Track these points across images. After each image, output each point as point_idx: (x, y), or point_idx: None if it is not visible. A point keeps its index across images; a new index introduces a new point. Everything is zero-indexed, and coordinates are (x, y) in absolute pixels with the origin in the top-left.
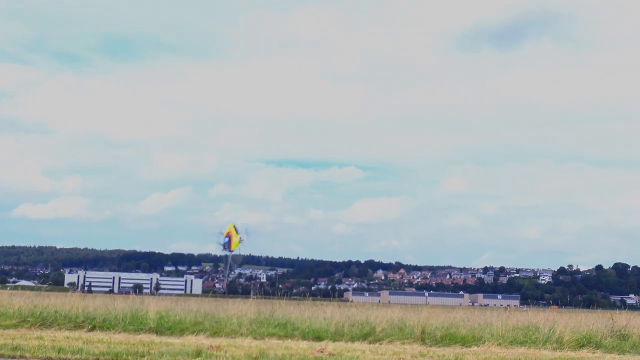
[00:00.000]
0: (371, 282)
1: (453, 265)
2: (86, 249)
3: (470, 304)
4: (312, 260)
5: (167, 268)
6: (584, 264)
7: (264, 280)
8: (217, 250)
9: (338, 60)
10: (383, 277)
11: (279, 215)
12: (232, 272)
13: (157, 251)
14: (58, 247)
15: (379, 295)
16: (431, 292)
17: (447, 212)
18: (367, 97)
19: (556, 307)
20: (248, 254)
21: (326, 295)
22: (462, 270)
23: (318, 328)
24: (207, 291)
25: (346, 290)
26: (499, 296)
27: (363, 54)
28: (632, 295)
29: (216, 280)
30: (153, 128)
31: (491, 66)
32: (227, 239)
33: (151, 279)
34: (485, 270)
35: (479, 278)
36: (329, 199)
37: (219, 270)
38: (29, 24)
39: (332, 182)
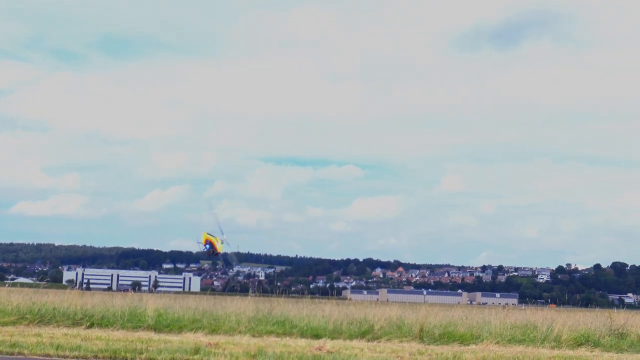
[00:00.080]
0: (369, 280)
1: (451, 264)
2: (84, 246)
3: (469, 302)
4: (311, 259)
5: (165, 266)
6: (583, 263)
7: (262, 278)
8: (208, 254)
9: (337, 60)
10: (381, 276)
11: (278, 213)
12: (231, 270)
13: (155, 249)
14: (56, 244)
15: (377, 293)
16: (429, 290)
17: (445, 210)
18: (367, 96)
19: (554, 305)
20: (246, 252)
21: (324, 293)
22: (461, 268)
23: (316, 326)
24: (206, 289)
25: (344, 288)
26: (497, 295)
27: (362, 54)
28: (630, 294)
29: (214, 278)
30: (152, 126)
31: (490, 66)
32: (208, 246)
33: (149, 276)
34: (484, 268)
35: (477, 276)
36: (327, 197)
37: (217, 268)
38: (27, 22)
39: (331, 181)
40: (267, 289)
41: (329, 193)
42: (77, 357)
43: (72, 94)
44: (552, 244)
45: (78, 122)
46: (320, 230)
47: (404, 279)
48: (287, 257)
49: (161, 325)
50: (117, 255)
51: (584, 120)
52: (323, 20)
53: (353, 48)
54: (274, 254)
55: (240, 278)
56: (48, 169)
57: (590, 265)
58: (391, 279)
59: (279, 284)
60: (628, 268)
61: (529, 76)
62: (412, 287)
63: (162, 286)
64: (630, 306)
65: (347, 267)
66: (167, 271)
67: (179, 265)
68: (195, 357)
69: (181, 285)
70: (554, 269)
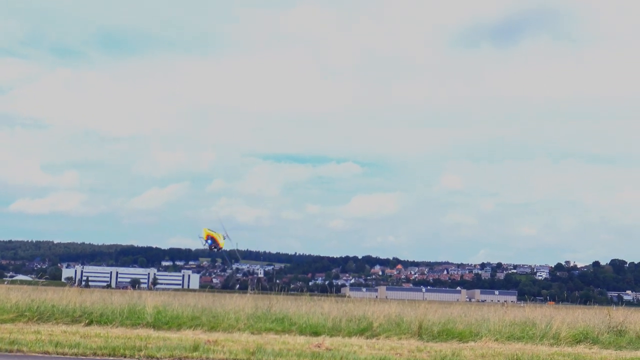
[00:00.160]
0: (368, 277)
1: (450, 261)
2: (83, 243)
3: (468, 299)
4: (310, 256)
5: (164, 263)
6: (581, 261)
7: (261, 275)
8: (210, 251)
9: (337, 57)
10: (380, 273)
11: (277, 211)
12: (231, 268)
13: (154, 246)
14: (55, 241)
15: (376, 290)
16: (428, 287)
17: (444, 208)
18: (366, 93)
19: (553, 303)
20: (245, 249)
21: (323, 290)
22: (460, 266)
23: (315, 323)
24: (205, 286)
25: (343, 285)
26: (496, 292)
27: (362, 51)
28: (629, 292)
29: (213, 275)
30: (150, 123)
31: (489, 63)
32: (210, 242)
33: (148, 273)
34: (483, 266)
35: (476, 274)
36: (326, 195)
37: (217, 265)
38: (26, 19)
39: (330, 178)
40: (266, 286)
41: (327, 190)
42: (76, 355)
43: (70, 91)
44: (551, 241)
45: (77, 119)
46: (319, 228)
47: (402, 277)
48: (286, 255)
49: (160, 322)
50: (116, 253)
51: (583, 117)
52: (322, 17)
53: (352, 45)
54: (273, 251)
55: (239, 275)
56: (47, 166)
57: (589, 262)
58: (390, 276)
59: (277, 281)
60: (627, 265)
61: (527, 74)
62: (411, 285)
63: (161, 283)
64: (629, 303)
65: (346, 264)
66: (166, 268)
67: (177, 263)
68: (194, 354)
69: (180, 282)
70: (553, 266)
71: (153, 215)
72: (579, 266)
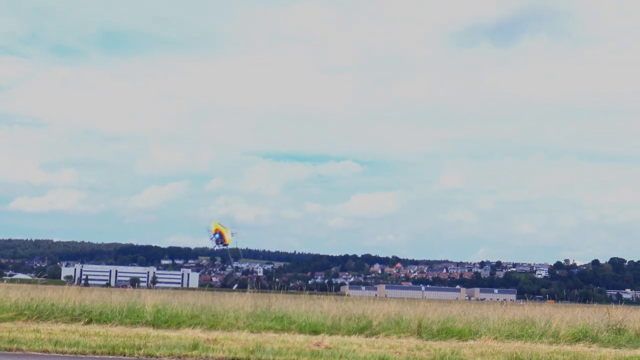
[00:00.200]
0: (368, 276)
1: (450, 260)
2: (83, 242)
3: (467, 298)
4: (309, 254)
5: (163, 262)
6: (581, 259)
7: (260, 274)
8: (213, 246)
9: (336, 55)
10: (380, 271)
11: (276, 209)
12: (230, 266)
13: (153, 245)
14: (54, 240)
15: (375, 289)
16: (428, 286)
17: (443, 206)
18: (365, 91)
19: (552, 301)
20: (245, 248)
21: (323, 289)
22: (459, 264)
23: (315, 322)
24: (204, 285)
25: (343, 284)
26: (496, 290)
27: (361, 49)
28: (628, 290)
29: (213, 274)
30: (149, 122)
31: (488, 61)
32: (218, 236)
33: (148, 272)
34: (482, 264)
35: (476, 272)
36: (326, 193)
37: (216, 264)
38: (25, 18)
39: (329, 176)
40: (266, 285)
41: (327, 189)
42: (75, 353)
43: (70, 89)
44: (550, 239)
45: (76, 118)
46: (318, 226)
47: (402, 275)
48: (286, 253)
49: (159, 321)
50: (115, 251)
51: (582, 116)
52: (321, 15)
53: (351, 43)
54: (272, 250)
55: (238, 274)
56: (46, 165)
57: (588, 261)
58: (389, 274)
59: (277, 280)
60: (626, 264)
61: (526, 71)
62: (410, 283)
63: (161, 282)
64: (628, 302)
65: (345, 263)
66: (166, 267)
67: (177, 261)
68: (193, 352)
69: (179, 281)
70: (552, 264)
71: (152, 214)
72: (578, 265)
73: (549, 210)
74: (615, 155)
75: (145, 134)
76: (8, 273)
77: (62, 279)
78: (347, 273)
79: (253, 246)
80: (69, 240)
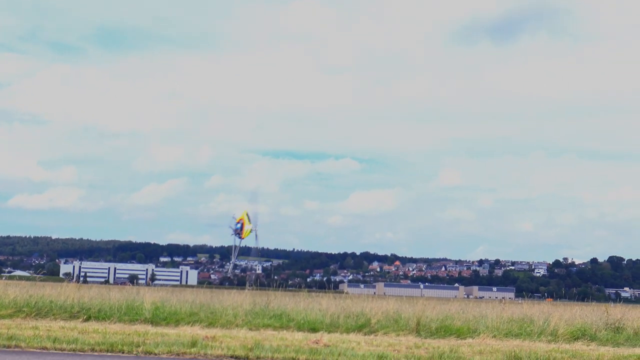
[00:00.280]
0: (366, 274)
1: (448, 258)
2: (81, 239)
3: (466, 296)
4: (308, 252)
5: (162, 259)
6: (579, 257)
7: (259, 271)
8: (231, 234)
9: (335, 53)
10: (378, 269)
11: (275, 207)
12: (229, 264)
13: (152, 242)
14: (53, 237)
15: (374, 287)
16: (426, 284)
17: (442, 204)
18: (365, 89)
19: (551, 299)
20: (244, 246)
21: (321, 286)
22: (458, 262)
23: (313, 319)
24: (203, 282)
25: (341, 281)
26: (494, 288)
27: (360, 47)
28: (626, 289)
29: (212, 272)
30: (148, 119)
31: (487, 59)
32: (239, 226)
33: (147, 269)
34: (481, 262)
35: (474, 270)
36: (324, 191)
37: (215, 261)
38: (24, 15)
39: (328, 174)
40: (264, 282)
41: (326, 186)
42: (74, 350)
43: (69, 87)
44: (549, 238)
45: (75, 115)
46: (317, 224)
47: (401, 273)
48: (284, 251)
49: (158, 318)
50: (114, 249)
51: (582, 114)
52: (320, 13)
53: (351, 41)
54: (271, 247)
55: (237, 271)
56: (45, 162)
57: (587, 259)
58: (388, 272)
59: (276, 277)
60: (625, 262)
61: (525, 70)
62: (409, 281)
63: (159, 279)
64: (627, 300)
65: (344, 260)
66: (164, 264)
67: (176, 259)
68: (192, 350)
69: (178, 278)
70: (551, 263)
71: (151, 211)
72: (576, 263)
73: (548, 209)
74: (615, 153)
75: (144, 131)
76: (7, 270)
77: (61, 275)
78: (345, 271)
79: (251, 243)
80: (67, 237)
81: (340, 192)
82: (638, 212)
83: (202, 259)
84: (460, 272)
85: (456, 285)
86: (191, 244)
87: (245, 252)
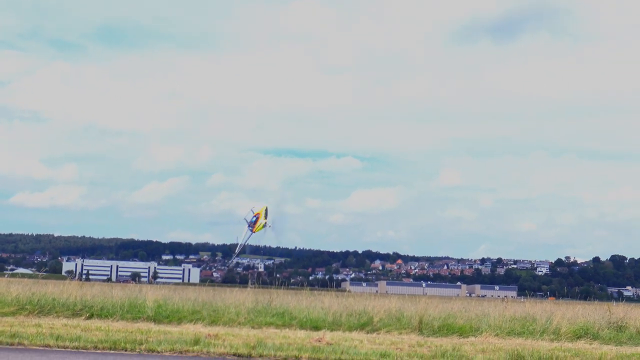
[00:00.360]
0: (369, 272)
1: (450, 256)
2: (84, 237)
3: (468, 294)
4: (310, 250)
5: (164, 257)
6: (581, 256)
7: (261, 269)
8: (245, 225)
9: (335, 54)
10: (380, 268)
11: (277, 205)
12: (231, 262)
13: (154, 240)
14: (55, 235)
15: (376, 285)
16: (429, 282)
17: (444, 203)
18: (366, 88)
19: (553, 298)
20: (246, 244)
21: (324, 285)
22: (460, 261)
23: (316, 318)
24: (205, 280)
25: (344, 280)
26: (496, 287)
27: (361, 46)
28: (629, 287)
29: (214, 270)
30: (149, 118)
31: (488, 59)
32: (254, 219)
33: (149, 267)
34: (483, 261)
35: (477, 269)
36: (326, 189)
37: (217, 259)
38: (25, 12)
39: (330, 172)
40: (267, 280)
41: (327, 185)
42: (77, 348)
43: (69, 84)
44: (551, 237)
45: (76, 113)
46: (319, 222)
47: (403, 271)
48: (286, 249)
49: (161, 316)
50: (116, 247)
51: (582, 114)
52: (321, 13)
53: (351, 41)
54: (273, 245)
55: (239, 270)
56: (46, 160)
57: (589, 258)
58: (390, 271)
59: (278, 275)
60: (627, 261)
61: (526, 69)
62: (411, 280)
63: (162, 277)
64: (629, 299)
65: (346, 259)
66: (167, 262)
67: (178, 257)
68: (195, 348)
69: (180, 276)
70: (553, 261)
71: (153, 209)
72: (579, 262)
73: (549, 208)
74: (615, 153)
75: (145, 130)
76: (9, 267)
77: (63, 273)
78: (347, 269)
79: (254, 242)
80: (70, 235)
81: (342, 191)
82: (639, 211)
83: (204, 257)
84: (462, 271)
85: (458, 283)
86: (193, 242)
87: (250, 250)
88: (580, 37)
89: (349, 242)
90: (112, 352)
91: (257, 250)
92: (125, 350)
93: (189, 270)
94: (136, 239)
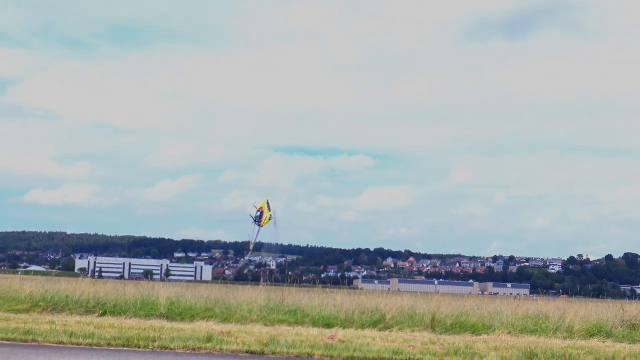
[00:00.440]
0: (381, 270)
1: (463, 254)
2: (96, 235)
3: (480, 292)
4: (322, 248)
5: (177, 254)
6: (594, 254)
7: (273, 267)
8: (252, 222)
9: (347, 50)
10: (393, 265)
11: (289, 203)
12: (243, 259)
13: (167, 238)
14: (68, 233)
15: (388, 283)
16: (441, 280)
17: (456, 201)
18: (378, 86)
19: (566, 296)
20: (259, 241)
21: (336, 282)
22: (472, 259)
23: (328, 315)
24: (217, 278)
25: (356, 278)
26: (509, 285)
27: (373, 44)
28: None
29: (226, 267)
30: (161, 115)
31: (500, 56)
32: (259, 214)
33: (161, 265)
34: (495, 259)
35: (489, 267)
36: (338, 187)
37: (229, 257)
38: (37, 11)
39: (342, 170)
40: (279, 278)
41: (339, 183)
42: (90, 345)
43: (81, 83)
44: (564, 234)
45: (88, 111)
46: (331, 220)
47: (415, 269)
48: (299, 247)
49: (173, 313)
50: (129, 244)
51: (594, 110)
52: (332, 10)
53: (363, 38)
54: (285, 243)
55: (251, 267)
56: (59, 157)
57: (602, 256)
58: (402, 268)
59: (290, 273)
60: None
61: (538, 66)
62: (423, 277)
63: (174, 275)
64: None
65: (358, 256)
66: (179, 260)
67: (190, 254)
68: (208, 345)
69: (193, 274)
70: (566, 259)
71: (165, 207)
72: (591, 260)
73: (562, 206)
74: (630, 150)
75: (157, 127)
76: (22, 265)
77: (76, 271)
78: (360, 267)
79: (266, 239)
80: (82, 232)
81: (354, 188)
82: None
83: (217, 254)
84: (474, 269)
85: (471, 281)
86: (205, 240)
87: (261, 247)
88: (593, 34)
89: (361, 240)
90: (125, 349)
91: (269, 248)
92: (139, 348)
93: (202, 268)
94: (149, 236)
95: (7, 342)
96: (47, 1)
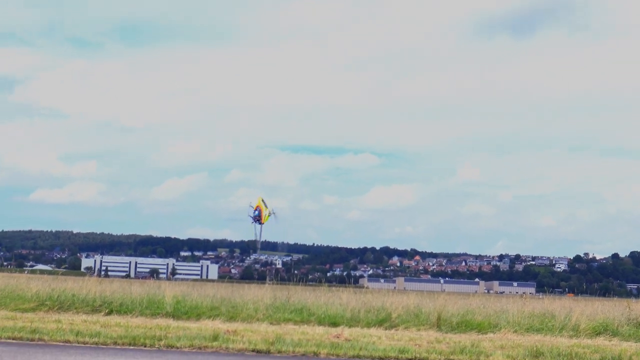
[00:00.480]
0: (386, 268)
1: (468, 253)
2: (102, 233)
3: (486, 291)
4: (328, 247)
5: (183, 253)
6: (600, 252)
7: (279, 266)
8: (251, 222)
9: (354, 48)
10: (398, 264)
11: (295, 202)
12: (249, 258)
13: (173, 236)
14: (75, 231)
15: (394, 281)
16: (447, 279)
17: (462, 199)
18: (383, 84)
19: (572, 294)
20: (264, 240)
21: (342, 281)
22: (478, 257)
23: (334, 314)
24: (223, 276)
25: (361, 276)
26: (515, 283)
27: (379, 42)
28: None
29: (232, 266)
30: (167, 114)
31: (506, 54)
32: (257, 212)
33: (167, 264)
34: (501, 257)
35: (495, 265)
36: (344, 186)
37: (235, 256)
38: (43, 10)
39: (347, 169)
40: (285, 276)
41: (345, 181)
42: (96, 343)
43: (88, 81)
44: (570, 233)
45: (94, 110)
46: (336, 219)
47: (421, 268)
48: (304, 245)
49: (179, 312)
50: (134, 243)
51: (601, 109)
52: (339, 7)
53: (369, 36)
54: (291, 241)
55: (257, 266)
56: (65, 156)
57: (608, 254)
58: (408, 267)
59: (296, 272)
60: None
61: (544, 65)
62: (429, 276)
63: (180, 274)
64: None
65: (364, 255)
66: (185, 259)
67: (196, 253)
68: (214, 343)
69: (199, 272)
70: (572, 258)
71: (171, 206)
72: (597, 258)
73: (568, 204)
74: (636, 149)
75: (162, 126)
76: (29, 264)
77: (82, 270)
78: (365, 265)
79: (271, 238)
80: (88, 231)
81: (360, 187)
82: None
83: (223, 253)
84: (480, 267)
85: (476, 280)
86: (211, 239)
87: (268, 246)
88: (599, 32)
89: (366, 238)
90: (131, 347)
91: (275, 247)
92: (145, 346)
93: (207, 266)
94: (155, 235)
95: (14, 341)
96: (53, 1)
